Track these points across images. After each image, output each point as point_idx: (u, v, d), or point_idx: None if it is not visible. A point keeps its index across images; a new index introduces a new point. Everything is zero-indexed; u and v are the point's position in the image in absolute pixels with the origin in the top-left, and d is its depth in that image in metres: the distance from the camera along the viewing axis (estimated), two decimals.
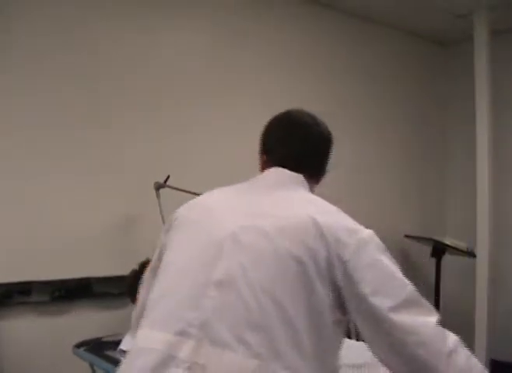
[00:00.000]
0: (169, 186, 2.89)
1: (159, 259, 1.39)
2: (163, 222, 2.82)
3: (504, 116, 4.22)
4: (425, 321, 1.15)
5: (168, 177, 2.92)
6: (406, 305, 1.15)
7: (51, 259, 2.83)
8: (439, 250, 4.16)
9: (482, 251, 3.84)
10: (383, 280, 1.17)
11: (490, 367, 3.81)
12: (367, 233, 1.23)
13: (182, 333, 1.16)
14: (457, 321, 4.27)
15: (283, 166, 1.41)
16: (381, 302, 1.14)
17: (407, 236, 4.29)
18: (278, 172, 1.40)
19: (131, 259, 2.64)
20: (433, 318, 1.16)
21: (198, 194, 2.95)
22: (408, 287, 1.18)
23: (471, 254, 4.01)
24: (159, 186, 2.88)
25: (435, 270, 4.16)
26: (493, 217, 3.87)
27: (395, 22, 4.31)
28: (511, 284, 4.23)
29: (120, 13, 3.09)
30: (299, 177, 1.40)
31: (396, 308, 1.14)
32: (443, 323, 1.16)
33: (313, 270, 1.16)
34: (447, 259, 4.26)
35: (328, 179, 1.49)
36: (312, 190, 1.44)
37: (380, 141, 4.35)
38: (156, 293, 1.29)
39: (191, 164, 3.28)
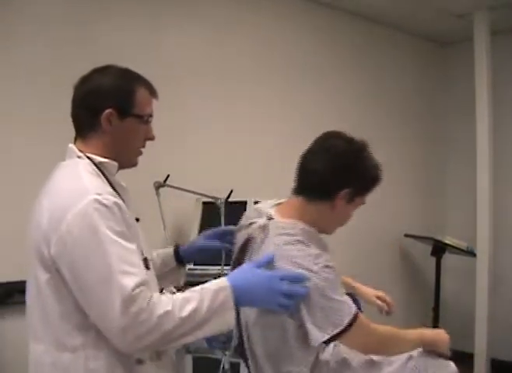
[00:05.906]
0: (169, 186, 2.89)
1: None
2: (163, 221, 2.84)
3: (504, 117, 4.22)
4: None
5: (168, 177, 2.93)
6: None
7: None
8: (439, 249, 4.16)
9: (482, 250, 3.84)
10: None
11: (490, 367, 3.82)
12: None
13: None
14: (457, 321, 4.29)
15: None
16: None
17: (407, 235, 4.30)
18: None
19: None
20: None
21: (197, 193, 2.98)
22: None
23: (471, 253, 4.02)
24: (159, 186, 2.88)
25: (435, 270, 4.17)
26: (493, 216, 3.88)
27: (395, 22, 4.32)
28: (511, 283, 4.24)
29: (121, 10, 3.10)
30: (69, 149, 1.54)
31: None
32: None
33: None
34: (447, 258, 4.26)
35: None
36: (102, 140, 1.53)
37: (379, 140, 4.32)
38: None
39: (191, 164, 3.28)
